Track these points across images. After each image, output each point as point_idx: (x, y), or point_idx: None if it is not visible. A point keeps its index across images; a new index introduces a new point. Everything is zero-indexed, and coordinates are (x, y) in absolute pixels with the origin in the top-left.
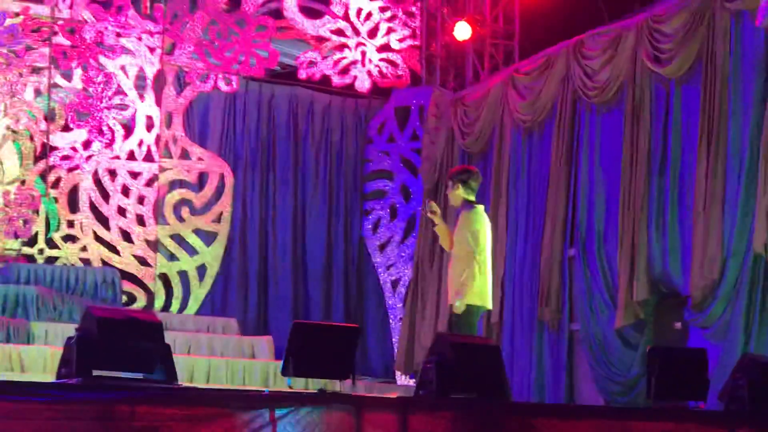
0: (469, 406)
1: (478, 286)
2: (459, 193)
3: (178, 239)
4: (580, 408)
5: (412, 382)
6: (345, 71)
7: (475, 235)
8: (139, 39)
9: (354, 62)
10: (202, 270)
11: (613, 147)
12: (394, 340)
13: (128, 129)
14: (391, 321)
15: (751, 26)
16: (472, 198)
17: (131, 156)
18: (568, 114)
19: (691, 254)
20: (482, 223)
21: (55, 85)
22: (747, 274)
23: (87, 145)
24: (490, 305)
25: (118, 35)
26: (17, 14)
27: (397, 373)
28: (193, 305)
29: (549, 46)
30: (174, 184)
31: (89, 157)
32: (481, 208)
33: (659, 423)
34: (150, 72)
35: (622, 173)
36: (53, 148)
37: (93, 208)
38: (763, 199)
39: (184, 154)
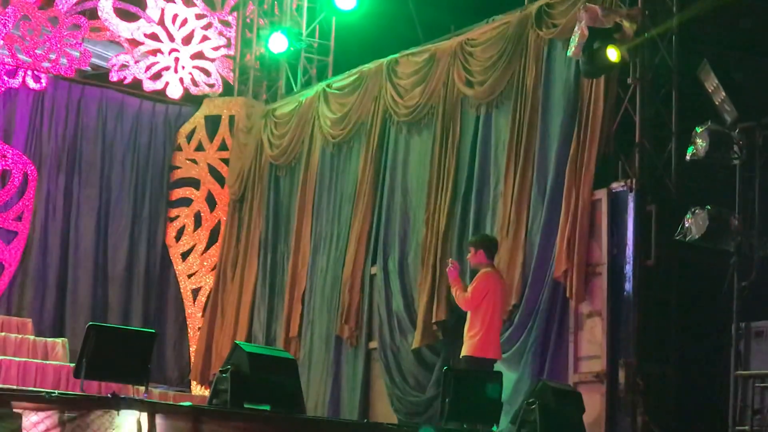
0: (261, 417)
1: None
2: None
3: None
4: (371, 425)
5: (207, 392)
6: (157, 76)
7: None
8: None
9: (166, 68)
10: None
11: (420, 167)
12: (191, 349)
13: None
14: (189, 330)
15: (563, 55)
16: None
17: None
18: (377, 132)
19: None
20: None
21: None
22: (545, 300)
23: None
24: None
25: None
26: None
27: (193, 383)
28: None
29: (363, 63)
30: None
31: None
32: None
33: None
34: None
35: (428, 194)
36: None
37: None
38: (565, 226)
39: None
